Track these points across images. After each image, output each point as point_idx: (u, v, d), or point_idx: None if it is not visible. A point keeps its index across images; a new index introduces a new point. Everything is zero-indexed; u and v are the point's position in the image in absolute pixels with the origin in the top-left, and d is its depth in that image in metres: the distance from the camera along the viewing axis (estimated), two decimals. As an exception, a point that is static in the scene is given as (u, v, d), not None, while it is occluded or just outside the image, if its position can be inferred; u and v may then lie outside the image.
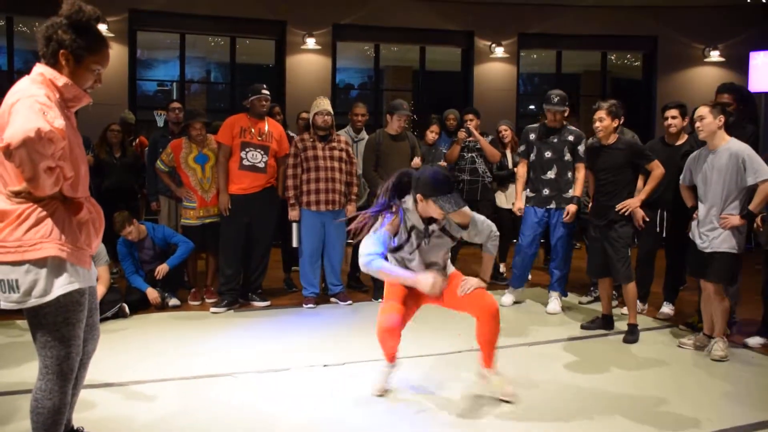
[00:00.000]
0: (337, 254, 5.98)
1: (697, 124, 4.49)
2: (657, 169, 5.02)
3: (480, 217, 3.71)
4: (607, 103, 5.05)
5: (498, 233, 3.77)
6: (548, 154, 5.76)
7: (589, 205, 5.36)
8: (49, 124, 2.27)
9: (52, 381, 2.52)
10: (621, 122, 5.80)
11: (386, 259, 3.54)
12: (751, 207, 4.38)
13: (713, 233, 4.48)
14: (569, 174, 5.74)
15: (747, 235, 4.63)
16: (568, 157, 5.73)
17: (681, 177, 4.85)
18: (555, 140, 5.75)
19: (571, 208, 5.67)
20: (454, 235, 3.67)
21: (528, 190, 5.89)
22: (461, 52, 11.84)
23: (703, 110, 4.49)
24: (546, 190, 5.77)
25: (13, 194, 2.41)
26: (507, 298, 6.02)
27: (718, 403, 3.79)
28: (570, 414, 3.57)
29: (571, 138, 5.73)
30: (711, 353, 4.50)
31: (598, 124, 5.01)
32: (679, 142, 5.45)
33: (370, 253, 3.42)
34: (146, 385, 3.91)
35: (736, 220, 4.40)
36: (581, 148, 5.69)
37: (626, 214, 4.98)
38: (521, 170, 5.97)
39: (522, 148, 5.97)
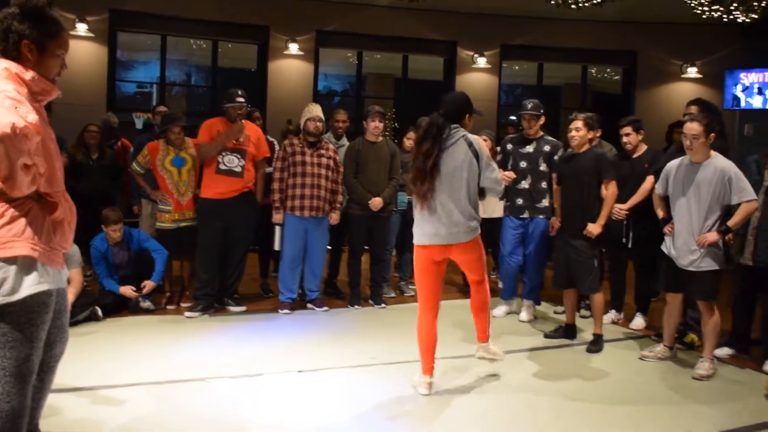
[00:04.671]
0: (319, 260, 5.96)
1: (688, 141, 4.40)
2: (610, 188, 5.02)
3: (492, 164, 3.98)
4: (583, 114, 5.14)
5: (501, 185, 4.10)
6: (523, 164, 5.79)
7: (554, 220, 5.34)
8: (22, 119, 2.24)
9: (10, 383, 2.45)
10: (598, 135, 5.90)
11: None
12: (730, 223, 4.34)
13: (694, 250, 4.42)
14: (543, 183, 5.77)
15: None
16: (543, 167, 5.75)
17: (657, 186, 4.81)
18: (531, 150, 5.79)
19: (554, 221, 5.61)
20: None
21: (504, 199, 5.93)
22: (444, 61, 11.90)
23: (697, 128, 4.37)
24: (520, 199, 5.80)
25: None
26: (499, 310, 6.00)
27: (682, 412, 3.82)
28: (530, 424, 3.61)
29: (547, 148, 5.77)
30: (696, 370, 4.45)
31: (574, 133, 5.06)
32: (638, 154, 5.57)
33: None
34: (116, 389, 3.86)
35: (713, 236, 4.34)
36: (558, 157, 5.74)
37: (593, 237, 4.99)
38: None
39: (499, 157, 6.01)
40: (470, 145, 3.86)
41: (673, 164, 4.66)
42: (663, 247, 4.69)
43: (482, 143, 3.95)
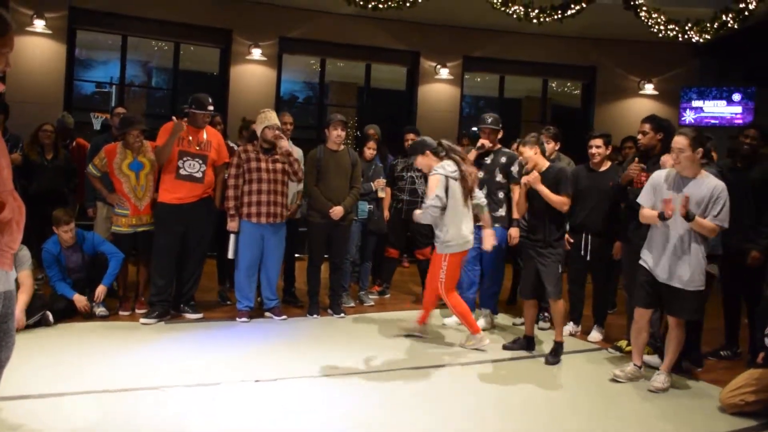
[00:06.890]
0: (275, 268, 5.90)
1: (674, 155, 4.30)
2: (564, 200, 5.02)
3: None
4: (528, 137, 5.23)
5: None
6: (480, 174, 5.81)
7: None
8: None
9: None
10: (557, 148, 5.99)
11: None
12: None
13: (682, 268, 4.34)
14: (500, 194, 5.84)
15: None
16: (499, 177, 5.84)
17: (642, 198, 4.57)
18: (488, 161, 5.89)
19: (513, 231, 5.70)
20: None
21: None
22: (406, 71, 11.96)
23: (683, 142, 4.27)
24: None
25: None
26: (451, 320, 5.93)
27: (636, 425, 3.88)
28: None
29: (503, 159, 5.85)
30: (651, 383, 4.47)
31: (526, 156, 5.13)
32: (603, 169, 5.67)
33: None
34: (66, 397, 3.75)
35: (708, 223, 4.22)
36: (515, 169, 5.78)
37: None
38: None
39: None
40: None
41: (660, 175, 4.53)
42: (642, 262, 4.57)
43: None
